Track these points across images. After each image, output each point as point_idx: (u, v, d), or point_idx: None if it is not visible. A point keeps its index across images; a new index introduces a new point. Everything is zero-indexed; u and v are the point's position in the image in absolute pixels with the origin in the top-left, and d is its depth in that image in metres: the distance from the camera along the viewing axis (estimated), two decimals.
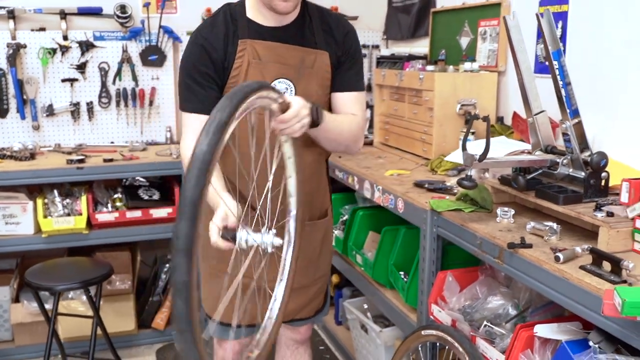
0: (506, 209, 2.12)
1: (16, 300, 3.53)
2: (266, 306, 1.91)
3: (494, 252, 1.95)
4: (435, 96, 2.98)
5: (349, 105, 2.02)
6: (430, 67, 3.24)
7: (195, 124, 1.83)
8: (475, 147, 2.14)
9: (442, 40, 3.62)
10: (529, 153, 2.32)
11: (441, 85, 2.99)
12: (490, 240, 1.97)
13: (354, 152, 2.14)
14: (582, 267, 1.66)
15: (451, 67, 3.20)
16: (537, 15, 2.00)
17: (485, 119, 2.01)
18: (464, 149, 2.06)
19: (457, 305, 2.13)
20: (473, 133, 2.96)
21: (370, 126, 3.87)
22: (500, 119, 3.04)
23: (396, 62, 3.78)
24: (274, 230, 1.52)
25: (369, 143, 3.69)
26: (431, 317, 2.29)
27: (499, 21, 3.07)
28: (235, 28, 1.88)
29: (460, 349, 1.96)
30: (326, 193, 2.19)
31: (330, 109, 2.04)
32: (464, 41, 3.40)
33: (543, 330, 1.75)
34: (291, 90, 1.93)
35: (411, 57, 3.72)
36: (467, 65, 3.08)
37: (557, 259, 1.70)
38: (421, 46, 3.87)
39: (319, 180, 2.12)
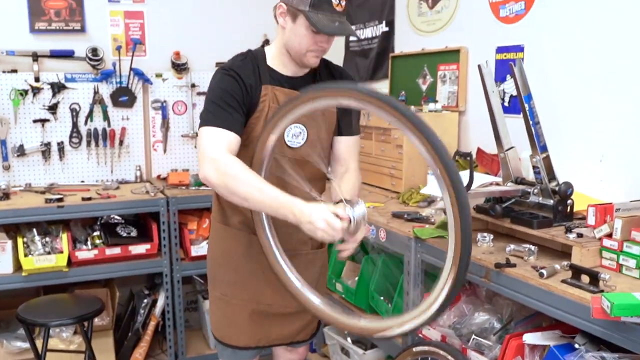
0: (485, 234, 2.38)
1: None
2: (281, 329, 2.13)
3: (480, 273, 2.20)
4: (403, 135, 3.25)
5: (352, 148, 2.28)
6: None
7: (223, 137, 1.96)
8: None
9: (402, 82, 3.92)
10: (499, 184, 2.61)
11: None
12: (475, 262, 2.22)
13: None
14: (564, 281, 1.92)
15: (412, 107, 3.48)
16: (510, 64, 2.30)
17: (468, 155, 2.28)
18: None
19: (447, 322, 2.37)
20: None
21: None
22: (463, 155, 3.34)
23: None
24: (360, 201, 1.81)
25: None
26: (419, 335, 2.51)
27: (458, 66, 3.39)
28: (259, 73, 2.09)
29: None
30: None
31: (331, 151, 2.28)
32: (423, 83, 3.71)
33: (531, 338, 2.01)
34: (304, 135, 2.15)
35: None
36: (431, 105, 3.37)
37: (541, 275, 1.97)
38: (381, 88, 4.16)
39: None
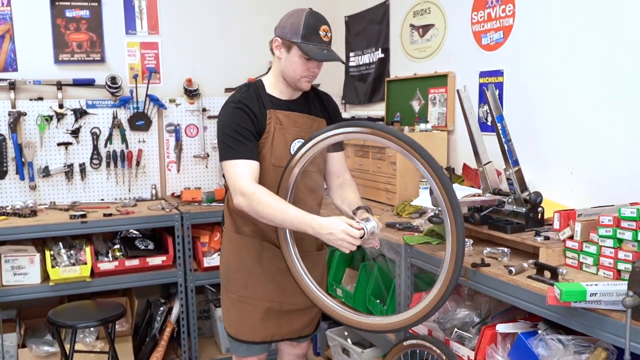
0: (466, 240, 2.67)
1: (22, 345, 3.84)
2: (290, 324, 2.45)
3: (460, 272, 2.49)
4: (397, 153, 3.55)
5: (343, 162, 2.63)
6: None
7: (246, 168, 2.30)
8: None
9: (397, 104, 4.24)
10: (480, 195, 2.90)
11: None
12: None
13: None
14: (529, 277, 2.22)
15: (406, 127, 3.80)
16: (483, 88, 2.62)
17: (449, 170, 2.58)
18: (431, 193, 2.62)
19: (432, 318, 2.65)
20: None
21: None
22: (451, 170, 3.64)
23: None
24: (373, 218, 2.18)
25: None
26: (409, 331, 2.80)
27: (446, 89, 3.71)
28: (261, 101, 2.42)
29: (438, 351, 2.48)
30: None
31: (324, 168, 2.61)
32: (416, 105, 4.03)
33: (503, 327, 2.30)
34: None
35: (370, 119, 4.32)
36: (422, 126, 3.69)
37: (510, 272, 2.26)
38: (377, 109, 4.48)
39: None
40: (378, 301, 3.19)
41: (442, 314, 2.67)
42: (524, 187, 2.64)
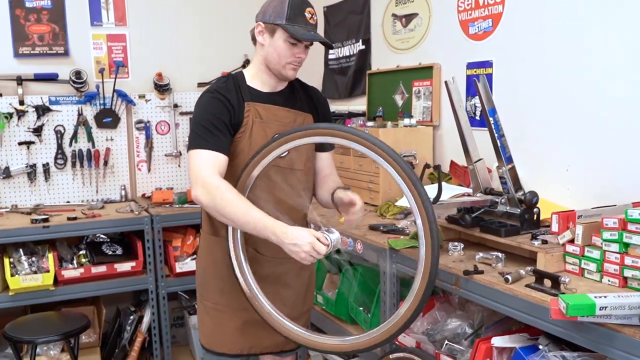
0: (456, 243, 2.48)
1: None
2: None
3: (450, 280, 2.29)
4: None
5: (331, 161, 2.44)
6: (370, 123, 3.64)
7: (212, 160, 2.10)
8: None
9: (379, 98, 4.03)
10: (470, 195, 2.71)
11: (385, 139, 3.29)
12: (446, 270, 2.31)
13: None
14: (528, 285, 2.02)
15: (389, 122, 3.59)
16: (474, 80, 2.41)
17: (437, 167, 2.38)
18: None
19: (421, 329, 2.45)
20: None
21: None
22: (439, 168, 3.44)
23: (337, 119, 4.16)
24: (334, 229, 2.01)
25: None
26: (395, 342, 2.59)
27: (431, 82, 3.50)
28: (240, 93, 2.21)
29: None
30: None
31: (314, 165, 2.38)
32: (399, 99, 3.82)
33: (499, 341, 2.10)
34: None
35: (351, 114, 4.12)
36: (406, 121, 3.48)
37: (506, 280, 2.06)
38: (358, 104, 4.27)
39: (306, 224, 2.43)
40: (362, 309, 2.98)
41: (432, 325, 2.47)
42: (518, 186, 2.44)
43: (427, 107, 3.57)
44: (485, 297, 2.13)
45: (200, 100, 2.23)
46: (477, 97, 3.20)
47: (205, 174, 2.07)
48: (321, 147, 2.43)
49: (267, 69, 2.24)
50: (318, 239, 1.92)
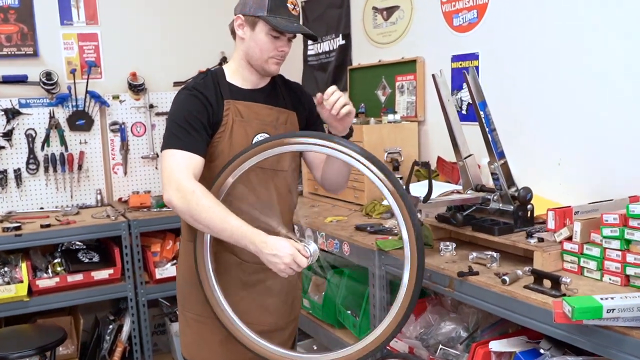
0: (448, 243, 2.38)
1: None
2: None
3: (444, 282, 2.19)
4: (364, 146, 3.25)
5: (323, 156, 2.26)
6: (353, 120, 3.52)
7: (187, 161, 1.96)
8: (412, 190, 2.40)
9: (361, 94, 3.92)
10: (459, 192, 2.61)
11: (369, 136, 3.28)
12: (439, 272, 2.22)
13: (339, 192, 2.40)
14: (527, 287, 1.93)
15: (372, 119, 3.49)
16: (463, 72, 2.31)
17: (425, 165, 2.28)
18: (407, 192, 2.31)
19: (413, 334, 2.35)
20: (401, 178, 3.25)
21: (299, 177, 4.09)
22: (422, 164, 3.35)
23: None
24: (312, 241, 1.89)
25: (299, 193, 3.90)
26: (387, 349, 2.49)
27: (415, 76, 3.41)
28: (219, 90, 2.08)
29: None
30: None
31: (299, 164, 2.25)
32: (382, 95, 3.72)
33: (497, 345, 2.00)
34: None
35: None
36: (390, 116, 3.38)
37: (503, 281, 1.96)
38: None
39: (291, 228, 2.30)
40: (349, 312, 2.88)
41: (425, 329, 2.37)
42: (511, 182, 2.35)
43: (412, 102, 3.48)
44: (482, 300, 2.04)
45: (177, 97, 2.10)
46: (462, 90, 3.12)
47: (179, 177, 1.93)
48: None
49: (248, 65, 2.11)
50: (299, 251, 1.82)
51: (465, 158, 2.45)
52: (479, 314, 2.32)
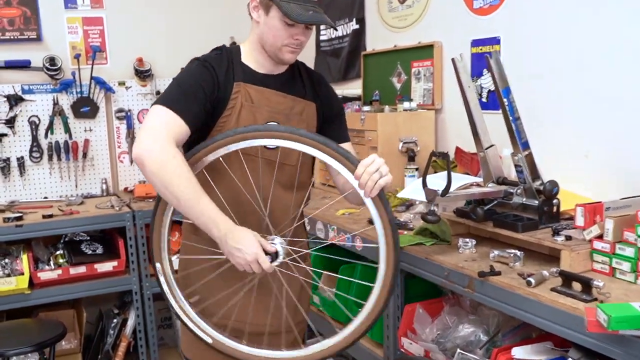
0: (467, 240, 2.23)
1: None
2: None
3: (463, 282, 2.04)
4: (378, 136, 3.11)
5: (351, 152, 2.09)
6: (366, 108, 3.38)
7: (175, 123, 1.77)
8: (429, 182, 2.24)
9: (375, 81, 3.76)
10: (479, 185, 2.46)
11: (383, 125, 3.12)
12: (458, 270, 2.07)
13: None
14: (554, 289, 1.77)
15: (387, 106, 3.33)
16: (486, 56, 2.15)
17: (445, 155, 2.12)
18: (424, 185, 2.16)
19: (430, 336, 2.21)
20: (417, 169, 3.09)
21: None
22: (440, 155, 3.18)
23: None
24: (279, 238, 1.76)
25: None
26: (401, 350, 2.35)
27: (432, 62, 3.24)
28: (232, 69, 1.93)
29: None
30: (304, 238, 2.22)
31: (313, 157, 2.09)
32: (397, 82, 3.56)
33: (521, 352, 1.85)
34: None
35: (345, 99, 3.85)
36: (406, 104, 3.22)
37: (528, 283, 1.81)
38: (353, 88, 4.01)
39: (300, 224, 2.15)
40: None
41: (442, 331, 2.22)
42: (535, 174, 2.20)
43: (428, 90, 3.31)
44: (504, 302, 1.89)
45: (187, 66, 1.93)
46: (482, 77, 2.95)
47: (163, 136, 1.72)
48: (332, 139, 2.09)
49: (262, 49, 1.95)
50: (265, 249, 1.68)
51: (487, 149, 2.29)
52: (500, 316, 2.16)
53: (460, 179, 2.63)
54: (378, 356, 2.59)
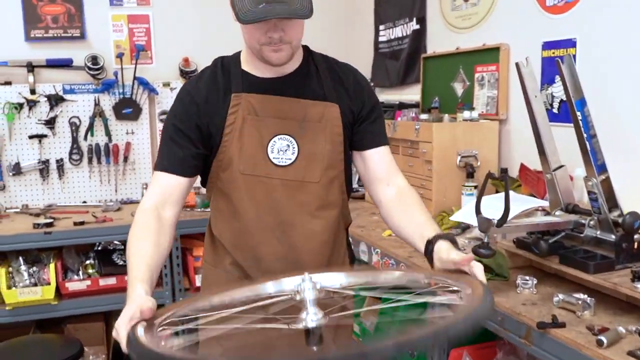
0: (527, 277, 1.89)
1: None
2: None
3: (519, 331, 1.70)
4: (433, 148, 2.78)
5: (386, 161, 1.77)
6: (424, 116, 3.06)
7: (159, 182, 1.62)
8: (486, 205, 1.91)
9: (435, 87, 3.43)
10: (545, 211, 2.10)
11: (439, 135, 2.79)
12: (513, 317, 1.73)
13: None
14: (631, 353, 1.42)
15: (446, 115, 2.99)
16: (557, 60, 1.79)
17: (503, 177, 1.78)
18: (478, 212, 1.83)
19: None
20: (475, 187, 2.74)
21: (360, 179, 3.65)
22: (505, 172, 2.83)
23: (386, 110, 3.57)
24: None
25: (360, 197, 3.46)
26: None
27: (497, 67, 2.88)
28: (227, 82, 1.66)
29: None
30: (345, 266, 1.87)
31: (346, 168, 1.78)
32: (459, 88, 3.22)
33: None
34: (293, 148, 1.68)
35: (402, 106, 3.53)
36: (466, 113, 2.88)
37: (599, 343, 1.46)
38: (412, 93, 3.68)
39: (335, 251, 1.80)
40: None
41: None
42: (613, 203, 1.83)
43: (492, 97, 2.95)
44: None
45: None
46: (554, 85, 2.58)
47: (141, 201, 1.62)
48: (361, 143, 1.76)
49: (251, 52, 1.67)
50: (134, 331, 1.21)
51: (555, 170, 1.94)
52: None
53: (523, 202, 2.28)
54: None
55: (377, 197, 1.77)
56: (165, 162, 1.62)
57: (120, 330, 1.22)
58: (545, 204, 2.20)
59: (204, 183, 1.76)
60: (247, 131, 1.63)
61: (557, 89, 2.56)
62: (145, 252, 1.46)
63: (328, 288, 1.32)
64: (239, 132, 1.63)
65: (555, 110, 2.56)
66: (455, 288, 1.27)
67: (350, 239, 2.76)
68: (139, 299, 1.28)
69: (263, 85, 1.67)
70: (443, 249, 1.44)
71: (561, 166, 1.95)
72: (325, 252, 1.75)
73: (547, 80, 2.60)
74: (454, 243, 1.47)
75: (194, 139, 1.63)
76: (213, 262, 1.84)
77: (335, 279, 1.39)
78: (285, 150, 1.68)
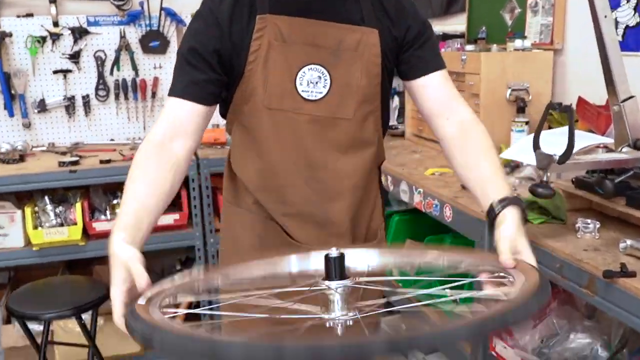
0: (588, 220, 1.70)
1: (7, 321, 3.15)
2: None
3: (581, 281, 1.52)
4: (481, 80, 2.56)
5: (443, 88, 1.54)
6: (470, 47, 2.82)
7: (171, 110, 1.43)
8: (546, 141, 1.71)
9: (482, 16, 3.17)
10: (608, 148, 1.89)
11: (488, 67, 2.56)
12: (575, 264, 1.55)
13: None
14: None
15: (495, 46, 2.75)
16: None
17: (567, 108, 1.57)
18: (536, 147, 1.63)
19: (530, 344, 1.70)
20: (527, 123, 2.53)
21: (400, 115, 3.45)
22: (559, 106, 2.59)
23: None
24: None
25: (400, 135, 3.26)
26: (492, 352, 1.86)
27: None
28: (252, 1, 1.46)
29: None
30: (377, 208, 1.70)
31: (383, 102, 1.59)
32: (509, 16, 2.95)
33: None
34: (325, 80, 1.49)
35: (446, 37, 3.28)
36: (518, 42, 2.63)
37: None
38: (456, 24, 3.43)
39: (367, 192, 1.64)
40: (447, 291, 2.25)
41: (547, 339, 1.71)
42: None
43: (547, 25, 2.69)
44: (637, 316, 1.36)
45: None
46: (619, 8, 2.32)
47: (151, 132, 1.42)
48: (410, 72, 1.54)
49: None
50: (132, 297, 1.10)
51: (624, 101, 1.72)
52: (626, 327, 1.63)
53: (582, 138, 2.06)
54: (464, 352, 2.12)
55: (438, 134, 1.56)
56: (178, 87, 1.43)
57: (116, 303, 1.11)
58: (606, 140, 1.98)
59: (224, 115, 1.59)
60: (272, 59, 1.44)
61: (622, 14, 2.30)
62: (137, 196, 1.31)
63: (359, 277, 1.13)
64: (263, 59, 1.44)
65: (619, 38, 2.31)
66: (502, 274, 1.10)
67: (390, 178, 2.60)
68: (121, 252, 1.18)
69: (293, 5, 1.46)
70: (503, 228, 1.21)
71: (631, 97, 1.72)
72: (357, 194, 1.58)
73: (611, 3, 2.34)
74: (522, 211, 1.26)
75: (214, 64, 1.44)
76: (234, 201, 1.69)
77: (368, 258, 1.24)
78: (317, 83, 1.49)
